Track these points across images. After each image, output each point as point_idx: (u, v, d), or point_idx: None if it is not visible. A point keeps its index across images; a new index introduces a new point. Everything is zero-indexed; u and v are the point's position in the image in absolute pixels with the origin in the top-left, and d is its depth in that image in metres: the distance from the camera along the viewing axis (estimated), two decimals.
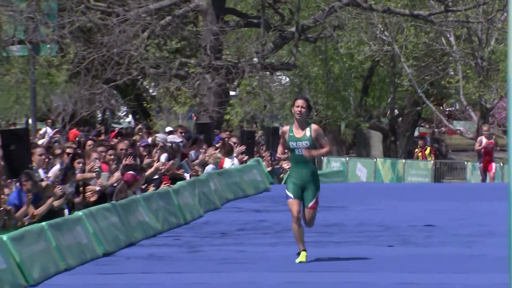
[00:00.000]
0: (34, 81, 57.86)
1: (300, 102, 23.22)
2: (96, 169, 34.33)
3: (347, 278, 24.97)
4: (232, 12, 67.43)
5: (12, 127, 50.33)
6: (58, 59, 65.26)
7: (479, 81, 68.76)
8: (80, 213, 30.18)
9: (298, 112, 23.07)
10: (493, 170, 51.52)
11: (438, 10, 64.21)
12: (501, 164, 61.06)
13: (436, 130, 77.11)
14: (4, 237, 24.79)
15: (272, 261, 27.56)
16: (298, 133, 23.45)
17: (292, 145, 23.07)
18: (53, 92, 66.71)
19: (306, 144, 23.96)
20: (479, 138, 53.76)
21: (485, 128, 54.32)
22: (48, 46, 58.43)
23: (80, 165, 34.10)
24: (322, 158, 67.94)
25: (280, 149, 26.53)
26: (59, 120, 62.64)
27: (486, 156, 51.01)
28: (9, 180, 30.21)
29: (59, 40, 59.08)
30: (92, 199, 33.60)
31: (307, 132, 22.99)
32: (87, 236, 28.84)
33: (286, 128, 24.24)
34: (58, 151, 35.74)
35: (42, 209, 29.81)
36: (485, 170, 51.55)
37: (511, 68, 5.84)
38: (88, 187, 34.02)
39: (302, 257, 25.88)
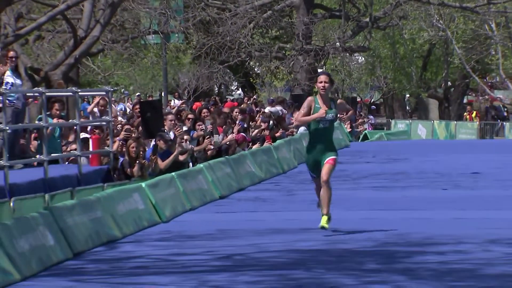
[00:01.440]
0: (165, 63, 58.21)
1: (323, 77, 19.96)
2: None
3: (412, 214, 24.86)
4: (319, 6, 67.56)
5: (149, 99, 50.29)
6: (184, 45, 65.66)
7: None
8: (201, 165, 30.35)
9: (322, 87, 19.83)
10: None
11: (482, 2, 64.51)
12: None
13: (481, 98, 76.60)
14: (143, 184, 25.01)
15: (351, 202, 27.52)
16: (324, 106, 19.96)
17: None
18: (180, 71, 67.13)
19: (332, 116, 20.60)
20: None
21: None
22: (176, 35, 58.91)
23: (201, 127, 34.27)
24: (391, 120, 67.91)
25: (299, 116, 21.85)
26: (185, 93, 62.88)
27: None
28: (146, 140, 30.37)
29: (185, 30, 59.48)
30: (210, 153, 33.77)
31: (332, 106, 19.83)
32: (206, 183, 29.04)
33: (310, 99, 20.56)
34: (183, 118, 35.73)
35: (167, 161, 29.96)
36: None
37: None
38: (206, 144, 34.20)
39: (323, 221, 21.47)
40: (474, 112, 72.65)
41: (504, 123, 66.54)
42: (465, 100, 78.39)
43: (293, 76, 66.64)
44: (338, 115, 21.36)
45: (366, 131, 59.97)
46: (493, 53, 71.77)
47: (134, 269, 18.55)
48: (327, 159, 19.68)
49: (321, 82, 20.05)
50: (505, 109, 72.55)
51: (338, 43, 67.72)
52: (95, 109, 32.44)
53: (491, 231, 21.17)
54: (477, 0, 66.52)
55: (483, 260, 18.11)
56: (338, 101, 20.78)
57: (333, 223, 22.80)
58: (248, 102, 52.54)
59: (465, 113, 73.82)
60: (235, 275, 15.98)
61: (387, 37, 71.16)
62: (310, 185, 32.00)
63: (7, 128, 23.65)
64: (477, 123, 67.43)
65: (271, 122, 43.62)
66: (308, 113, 20.61)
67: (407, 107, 79.92)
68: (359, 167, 37.96)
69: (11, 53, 27.39)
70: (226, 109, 43.39)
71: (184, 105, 46.33)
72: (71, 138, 29.52)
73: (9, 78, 25.49)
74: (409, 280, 16.42)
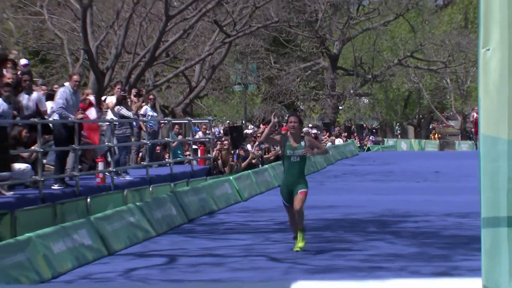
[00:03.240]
0: (245, 102, 58.08)
1: (292, 118, 15.55)
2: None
3: (397, 197, 24.48)
4: (341, 68, 67.11)
5: (234, 125, 50.35)
6: (256, 92, 65.14)
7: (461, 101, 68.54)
8: (266, 166, 30.37)
9: (291, 127, 15.34)
10: None
11: (441, 66, 64.51)
12: None
13: (440, 125, 76.43)
14: (231, 177, 25.28)
15: (359, 189, 27.49)
16: (294, 144, 15.26)
17: (289, 153, 15.20)
18: (254, 107, 66.35)
19: (301, 152, 15.50)
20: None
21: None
22: (252, 85, 58.77)
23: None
24: (384, 139, 67.57)
25: (264, 135, 16.42)
26: (257, 121, 62.75)
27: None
28: (233, 150, 30.49)
29: (257, 82, 59.34)
30: (272, 159, 33.77)
31: (302, 143, 15.15)
32: (270, 177, 29.03)
33: (283, 137, 15.88)
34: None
35: (245, 163, 30.07)
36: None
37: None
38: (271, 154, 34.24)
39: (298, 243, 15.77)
40: (436, 134, 72.86)
41: (455, 140, 66.22)
42: (430, 126, 77.77)
43: (323, 111, 66.57)
44: (303, 150, 15.35)
45: (369, 145, 59.77)
46: (448, 97, 71.35)
47: (225, 230, 18.75)
48: (299, 191, 15.01)
49: (290, 122, 15.31)
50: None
51: (352, 91, 67.73)
52: (200, 133, 32.66)
53: (447, 208, 21.13)
54: (438, 64, 65.81)
55: (442, 226, 18.14)
56: (307, 138, 15.65)
57: (347, 202, 22.91)
58: None
59: (430, 134, 73.90)
60: (287, 234, 16.04)
61: (382, 87, 70.74)
62: (333, 179, 32.18)
63: (148, 142, 23.86)
64: (438, 141, 67.24)
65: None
66: (275, 140, 16.58)
67: (395, 131, 79.37)
68: (364, 168, 37.89)
69: (151, 96, 27.74)
70: (283, 132, 43.45)
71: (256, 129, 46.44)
72: (187, 148, 29.73)
73: (149, 111, 25.70)
74: (395, 238, 16.50)
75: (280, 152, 35.75)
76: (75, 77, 20.10)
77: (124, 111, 22.89)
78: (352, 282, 5.35)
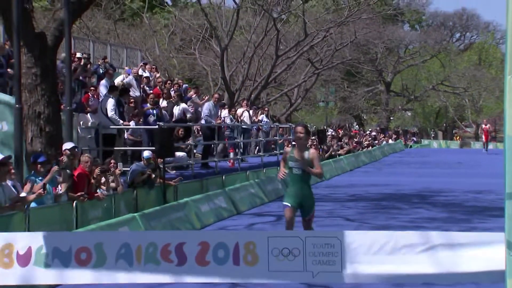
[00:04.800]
0: (326, 114, 57.40)
1: (299, 128, 10.16)
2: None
3: (433, 180, 24.01)
4: (392, 91, 66.22)
5: (320, 129, 49.67)
6: (333, 107, 64.17)
7: (475, 115, 67.39)
8: (342, 157, 29.81)
9: (298, 137, 10.07)
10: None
11: (462, 91, 63.53)
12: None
13: (460, 131, 74.76)
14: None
15: (404, 174, 26.88)
16: (297, 155, 10.01)
17: (291, 164, 10.10)
18: (333, 117, 65.40)
19: (303, 165, 9.83)
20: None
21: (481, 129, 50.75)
22: (331, 102, 58.18)
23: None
24: (421, 140, 66.35)
25: (281, 167, 10.20)
26: (334, 126, 61.73)
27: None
28: (319, 145, 30.06)
29: (335, 101, 58.75)
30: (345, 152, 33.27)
31: (306, 154, 9.82)
32: (344, 164, 28.42)
33: (288, 149, 10.48)
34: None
35: (327, 154, 29.51)
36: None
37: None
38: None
39: None
40: (458, 137, 71.10)
41: (471, 141, 64.58)
42: (454, 132, 76.07)
43: (380, 120, 65.69)
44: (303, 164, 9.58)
45: (411, 144, 58.65)
46: (466, 112, 69.98)
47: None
48: (307, 217, 9.69)
49: (297, 132, 9.97)
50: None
51: (400, 106, 66.90)
52: None
53: (467, 187, 20.58)
54: (460, 89, 64.54)
55: (464, 199, 17.68)
56: (311, 151, 9.69)
57: (397, 182, 22.48)
58: (360, 130, 52.08)
59: (454, 137, 72.22)
60: (357, 203, 15.83)
61: (420, 104, 69.72)
62: (387, 166, 31.66)
63: (263, 139, 23.66)
64: (459, 141, 65.70)
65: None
66: (284, 162, 9.90)
67: (429, 134, 77.75)
68: (408, 159, 37.29)
69: (266, 108, 27.37)
70: (352, 134, 43.04)
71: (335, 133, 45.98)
72: (288, 144, 29.49)
73: (264, 119, 25.48)
74: (432, 207, 16.06)
75: (353, 145, 34.49)
76: (215, 96, 20.34)
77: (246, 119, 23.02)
78: (385, 231, 5.21)
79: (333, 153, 30.68)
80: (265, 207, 16.65)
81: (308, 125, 49.70)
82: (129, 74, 20.20)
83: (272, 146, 27.62)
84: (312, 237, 4.86)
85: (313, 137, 31.48)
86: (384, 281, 5.14)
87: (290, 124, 33.80)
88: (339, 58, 44.95)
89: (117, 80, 19.42)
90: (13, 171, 10.16)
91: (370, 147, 39.49)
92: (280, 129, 29.31)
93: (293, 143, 9.50)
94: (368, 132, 50.20)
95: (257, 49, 37.09)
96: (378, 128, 58.75)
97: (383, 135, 51.04)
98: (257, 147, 25.44)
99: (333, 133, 37.26)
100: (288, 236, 4.94)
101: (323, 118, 58.87)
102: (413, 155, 41.87)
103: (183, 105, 19.22)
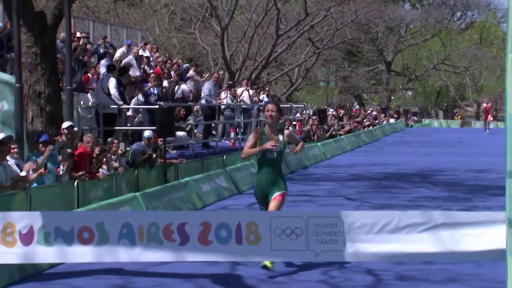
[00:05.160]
0: (327, 93, 57.39)
1: (270, 106, 8.45)
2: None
3: (434, 159, 24.06)
4: (393, 70, 66.18)
5: (321, 109, 49.58)
6: (334, 86, 64.16)
7: (476, 94, 67.55)
8: (343, 136, 29.82)
9: (268, 116, 8.34)
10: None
11: (463, 70, 63.50)
12: None
13: (461, 110, 74.84)
14: (319, 143, 24.64)
15: (405, 153, 26.87)
16: (271, 136, 8.26)
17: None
18: (333, 97, 65.43)
19: (280, 147, 8.26)
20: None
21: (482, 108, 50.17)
22: (331, 82, 58.13)
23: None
24: (422, 119, 66.44)
25: (246, 149, 8.26)
26: (335, 107, 61.60)
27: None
28: (319, 125, 30.05)
29: (335, 80, 58.65)
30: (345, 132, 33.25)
31: (280, 136, 8.27)
32: (345, 144, 28.35)
33: (258, 132, 8.48)
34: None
35: (328, 134, 29.56)
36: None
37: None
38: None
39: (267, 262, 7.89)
40: (458, 116, 71.02)
41: (471, 120, 64.53)
42: (454, 111, 75.93)
43: (380, 99, 65.58)
44: (290, 147, 9.04)
45: (412, 123, 58.56)
46: (467, 91, 69.83)
47: (315, 178, 18.53)
48: (275, 195, 8.27)
49: (268, 111, 8.46)
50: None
51: (400, 86, 66.84)
52: (299, 114, 32.45)
53: (467, 166, 20.58)
54: (461, 68, 64.43)
55: (464, 178, 17.68)
56: (286, 132, 8.59)
57: (397, 161, 22.51)
58: (361, 110, 51.96)
59: (454, 116, 72.06)
60: (359, 182, 15.84)
61: (421, 84, 69.53)
62: (388, 146, 31.73)
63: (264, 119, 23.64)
64: (460, 121, 65.60)
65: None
66: (253, 145, 8.36)
67: (430, 114, 77.64)
68: (409, 138, 37.13)
69: (266, 88, 27.29)
70: (353, 113, 42.97)
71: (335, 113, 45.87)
72: (289, 123, 29.48)
73: (265, 98, 25.44)
74: (432, 186, 16.07)
75: (354, 125, 34.24)
76: (215, 75, 20.32)
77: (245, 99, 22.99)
78: (382, 211, 5.24)
79: (333, 132, 30.65)
80: None
81: (308, 105, 49.67)
82: (129, 46, 20.21)
83: None
84: (315, 217, 4.88)
85: (314, 117, 31.50)
86: (386, 260, 5.18)
87: (291, 104, 33.75)
88: (340, 37, 44.76)
89: (117, 54, 19.41)
90: (16, 150, 10.18)
91: (371, 127, 39.44)
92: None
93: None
94: (369, 111, 50.11)
95: (257, 29, 36.95)
96: (378, 108, 58.64)
97: (384, 115, 50.93)
98: (258, 127, 25.39)
99: (333, 113, 37.16)
100: (290, 216, 4.96)
101: (323, 98, 58.79)
102: (414, 135, 41.84)
103: (183, 85, 19.17)
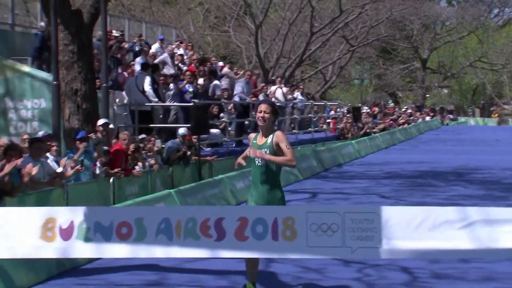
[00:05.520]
0: (361, 91, 57.12)
1: (263, 107, 6.45)
2: None
3: (469, 157, 23.79)
4: (428, 68, 65.61)
5: (355, 106, 49.25)
6: (368, 84, 63.76)
7: None
8: (377, 134, 29.59)
9: (261, 118, 6.41)
10: None
11: (500, 67, 62.33)
12: None
13: (498, 108, 73.89)
14: (353, 141, 24.60)
15: (441, 152, 26.63)
16: (260, 140, 6.45)
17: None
18: (367, 95, 65.05)
19: (266, 152, 6.31)
20: None
21: None
22: (366, 80, 57.87)
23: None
24: (458, 117, 65.47)
25: (240, 158, 6.84)
26: (369, 104, 61.28)
27: None
28: (354, 123, 29.93)
29: (370, 78, 58.32)
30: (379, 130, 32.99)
31: (269, 139, 6.34)
32: (379, 142, 28.22)
33: (252, 135, 6.69)
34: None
35: (362, 132, 29.42)
36: None
37: None
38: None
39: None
40: (495, 114, 70.08)
41: (509, 118, 63.66)
42: (491, 109, 74.93)
43: (415, 97, 65.01)
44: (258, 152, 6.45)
45: (447, 121, 57.93)
46: (504, 89, 68.94)
47: (349, 176, 18.50)
48: None
49: (260, 111, 6.55)
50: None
51: (436, 84, 66.27)
52: (333, 111, 32.32)
53: (504, 164, 20.35)
54: (498, 66, 63.60)
55: (501, 176, 17.54)
56: (277, 133, 6.45)
57: (433, 159, 22.30)
58: (396, 108, 51.49)
59: (491, 114, 71.11)
60: (394, 180, 15.77)
61: (457, 81, 68.86)
62: (423, 144, 31.43)
63: (298, 117, 23.66)
64: (496, 118, 64.73)
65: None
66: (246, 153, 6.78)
67: (466, 112, 76.76)
68: (444, 137, 36.85)
69: (301, 86, 27.31)
70: (388, 111, 42.60)
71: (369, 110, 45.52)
72: (323, 121, 29.45)
73: (299, 96, 25.46)
74: (469, 184, 15.93)
75: (389, 123, 33.84)
76: (248, 73, 20.39)
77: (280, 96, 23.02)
78: (420, 206, 5.17)
79: (367, 130, 30.50)
80: (299, 184, 16.66)
81: (342, 103, 49.39)
82: (162, 41, 20.41)
83: (307, 123, 27.56)
84: (351, 212, 4.86)
85: (348, 115, 31.36)
86: (421, 257, 5.16)
87: (325, 101, 33.68)
88: (375, 35, 44.51)
89: (152, 50, 19.59)
90: (55, 148, 10.35)
91: (406, 125, 39.12)
92: (315, 106, 29.19)
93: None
94: (403, 109, 49.70)
95: (291, 27, 36.91)
96: (413, 106, 58.13)
97: (419, 113, 50.52)
98: (292, 125, 25.39)
99: (368, 111, 36.97)
100: (326, 211, 4.94)
101: (358, 95, 58.48)
102: (450, 133, 41.41)
103: (215, 82, 19.24)
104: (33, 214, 4.99)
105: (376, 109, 41.58)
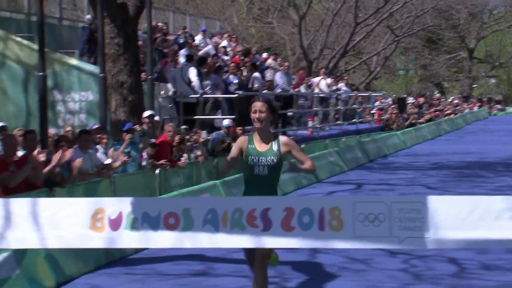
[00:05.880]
0: (406, 82, 56.37)
1: (258, 105, 5.34)
2: None
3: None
4: (475, 58, 64.33)
5: (400, 97, 48.66)
6: (413, 75, 62.87)
7: None
8: (423, 125, 29.31)
9: (256, 118, 5.30)
10: None
11: None
12: None
13: None
14: (398, 132, 24.35)
15: (486, 143, 26.22)
16: (261, 146, 5.33)
17: (252, 160, 5.31)
18: (412, 86, 64.30)
19: (272, 160, 5.29)
20: None
21: None
22: (411, 70, 57.02)
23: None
24: (505, 107, 64.16)
25: (225, 164, 5.61)
26: (414, 94, 60.49)
27: None
28: (399, 114, 29.55)
29: (415, 69, 57.56)
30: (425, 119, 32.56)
31: (274, 145, 5.29)
32: (425, 133, 27.86)
33: (243, 139, 5.48)
34: None
35: (407, 123, 29.07)
36: None
37: None
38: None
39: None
40: None
41: None
42: None
43: (462, 88, 64.03)
44: (290, 163, 5.60)
45: (495, 112, 56.89)
46: None
47: (394, 167, 18.35)
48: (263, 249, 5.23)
49: (255, 111, 5.42)
50: None
51: (483, 74, 65.25)
52: (378, 102, 32.01)
53: None
54: None
55: None
56: (283, 139, 5.48)
57: (480, 150, 21.93)
58: (442, 98, 50.72)
59: None
60: (440, 171, 15.55)
61: (505, 71, 67.48)
62: (470, 134, 30.95)
63: (342, 108, 23.50)
64: None
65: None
66: (235, 156, 5.51)
67: None
68: (492, 127, 36.08)
69: (345, 77, 27.10)
70: (434, 102, 42.04)
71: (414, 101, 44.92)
72: (368, 112, 29.22)
73: (343, 87, 25.35)
74: (495, 177, 15.65)
75: (435, 113, 33.37)
76: (286, 64, 20.57)
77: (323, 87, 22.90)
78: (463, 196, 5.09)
79: (413, 121, 30.16)
80: (344, 175, 16.60)
81: (387, 93, 48.91)
82: (204, 32, 20.56)
83: (351, 114, 27.38)
84: (398, 202, 4.82)
85: (393, 105, 31.06)
86: (469, 247, 5.08)
87: (369, 92, 33.42)
88: (420, 24, 43.97)
89: (196, 42, 19.71)
90: (105, 140, 10.52)
91: (453, 115, 38.58)
92: (359, 97, 28.99)
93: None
94: (450, 100, 49.02)
95: (335, 17, 36.69)
96: (460, 96, 57.27)
97: (466, 103, 49.78)
98: (336, 116, 25.25)
99: (413, 101, 36.53)
100: (373, 201, 4.92)
101: (403, 86, 57.87)
102: (497, 123, 40.68)
103: (255, 74, 19.27)
104: (82, 205, 5.08)
105: (422, 99, 41.09)
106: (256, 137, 5.52)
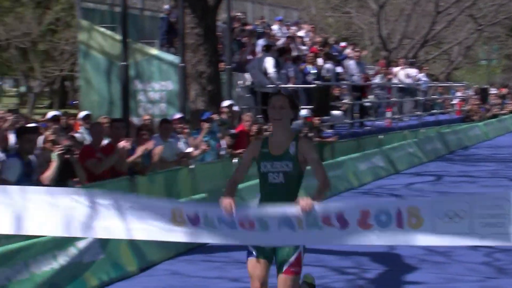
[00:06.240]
0: (488, 72, 54.69)
1: (278, 100, 4.38)
2: None
3: None
4: None
5: (481, 87, 47.35)
6: (496, 65, 60.81)
7: None
8: (507, 116, 28.46)
9: (276, 114, 4.37)
10: None
11: None
12: None
13: None
14: (480, 123, 23.76)
15: None
16: (276, 149, 4.39)
17: (265, 167, 4.41)
18: (494, 76, 62.32)
19: (288, 166, 4.39)
20: None
21: None
22: (494, 60, 55.23)
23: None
24: None
25: (234, 178, 4.85)
26: (497, 85, 58.71)
27: None
28: (481, 104, 28.76)
29: (498, 59, 55.71)
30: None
31: (292, 148, 4.30)
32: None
33: (255, 143, 4.63)
34: None
35: (489, 114, 28.26)
36: None
37: None
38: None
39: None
40: None
41: None
42: None
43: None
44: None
45: None
46: None
47: (476, 159, 17.88)
48: (285, 266, 4.56)
49: (274, 107, 4.48)
50: None
51: None
52: (458, 93, 31.28)
53: None
54: None
55: None
56: (303, 142, 4.54)
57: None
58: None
59: None
60: None
61: None
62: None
63: (421, 99, 23.08)
64: None
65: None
66: (246, 164, 4.72)
67: None
68: None
69: (424, 67, 26.57)
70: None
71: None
72: (448, 103, 28.48)
73: (423, 78, 24.83)
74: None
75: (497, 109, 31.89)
76: (357, 54, 20.30)
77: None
78: None
79: (495, 112, 29.34)
80: (423, 166, 16.35)
81: (468, 84, 47.74)
82: (280, 21, 20.54)
83: (431, 105, 26.85)
84: (479, 198, 4.69)
85: (475, 96, 30.30)
86: None
87: (450, 82, 32.69)
88: (505, 13, 42.58)
89: (273, 31, 19.72)
90: (187, 130, 10.67)
91: None
92: (439, 88, 28.37)
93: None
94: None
95: (415, 6, 36.02)
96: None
97: None
98: (415, 107, 24.80)
99: (496, 92, 35.48)
100: (453, 199, 4.79)
101: (484, 77, 56.36)
102: None
103: (327, 65, 19.12)
104: (160, 206, 5.08)
105: (505, 90, 39.82)
106: (271, 139, 4.71)
